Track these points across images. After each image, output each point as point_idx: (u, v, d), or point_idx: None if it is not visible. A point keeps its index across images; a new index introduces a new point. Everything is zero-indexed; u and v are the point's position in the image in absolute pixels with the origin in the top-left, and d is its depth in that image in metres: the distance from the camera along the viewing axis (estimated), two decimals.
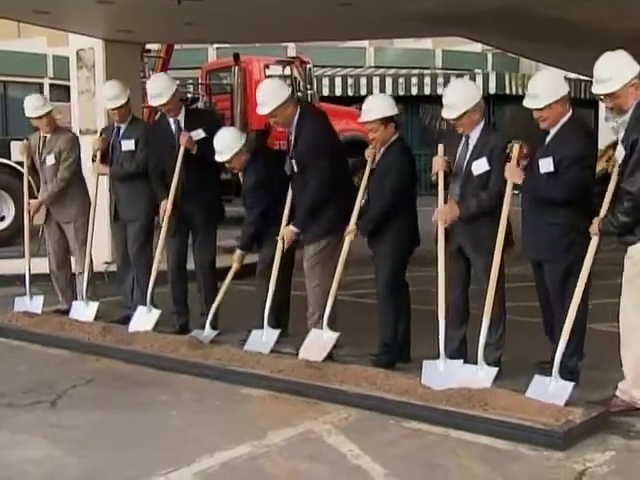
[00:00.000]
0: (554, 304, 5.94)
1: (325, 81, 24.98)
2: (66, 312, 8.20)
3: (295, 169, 6.87)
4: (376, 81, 25.59)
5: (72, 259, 8.56)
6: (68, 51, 11.76)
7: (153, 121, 10.46)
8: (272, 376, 6.19)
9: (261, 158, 7.36)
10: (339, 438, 5.20)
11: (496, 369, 5.77)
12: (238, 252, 7.33)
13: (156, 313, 7.56)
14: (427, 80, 25.82)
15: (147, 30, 10.93)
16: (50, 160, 8.32)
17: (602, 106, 22.27)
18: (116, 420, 5.64)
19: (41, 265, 8.79)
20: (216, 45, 22.61)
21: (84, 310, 8.03)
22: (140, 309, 7.63)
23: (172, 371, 6.61)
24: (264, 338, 6.89)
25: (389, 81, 25.71)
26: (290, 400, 5.96)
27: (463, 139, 6.19)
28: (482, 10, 9.09)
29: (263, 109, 6.84)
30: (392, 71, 26.45)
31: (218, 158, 7.20)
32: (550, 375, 5.47)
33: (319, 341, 6.60)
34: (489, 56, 28.20)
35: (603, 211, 5.49)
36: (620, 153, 5.44)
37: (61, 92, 16.71)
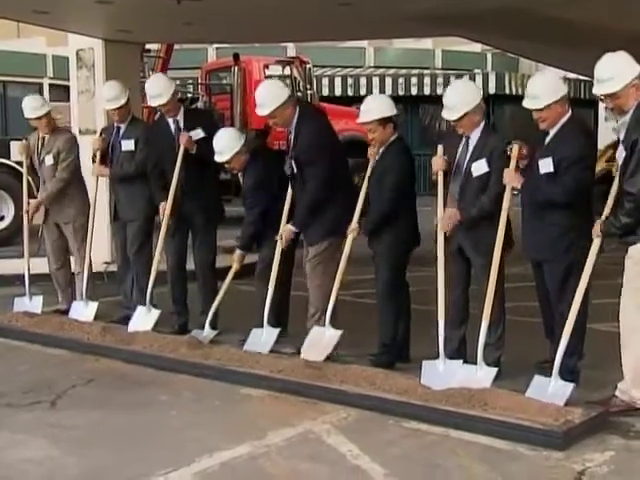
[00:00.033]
0: (554, 304, 5.94)
1: (325, 81, 25.00)
2: (66, 312, 8.20)
3: (294, 169, 6.87)
4: (376, 81, 25.60)
5: (72, 259, 8.56)
6: (68, 51, 11.77)
7: (153, 121, 10.46)
8: (272, 376, 6.19)
9: (260, 158, 7.36)
10: (338, 438, 5.20)
11: (496, 369, 5.77)
12: (238, 252, 7.33)
13: (155, 313, 7.56)
14: (427, 80, 25.84)
15: (147, 30, 10.94)
16: (49, 160, 8.32)
17: (602, 106, 22.27)
18: (116, 420, 5.64)
19: (41, 265, 8.79)
20: (216, 45, 22.62)
21: (84, 310, 8.03)
22: (139, 309, 7.63)
23: (172, 371, 6.61)
24: (264, 337, 6.89)
25: (389, 81, 25.73)
26: (290, 400, 5.96)
27: (463, 140, 6.19)
28: (482, 10, 9.09)
29: (262, 110, 6.84)
30: (392, 71, 26.47)
31: (218, 158, 7.20)
32: (550, 375, 5.48)
33: (321, 339, 6.60)
34: (489, 56, 28.21)
35: (606, 213, 5.49)
36: (620, 154, 5.44)
37: (60, 92, 16.72)
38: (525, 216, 5.98)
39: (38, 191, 8.61)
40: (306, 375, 6.11)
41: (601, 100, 5.59)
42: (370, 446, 5.05)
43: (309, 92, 16.37)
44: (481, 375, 5.70)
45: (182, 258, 7.83)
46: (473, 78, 24.98)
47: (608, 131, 19.74)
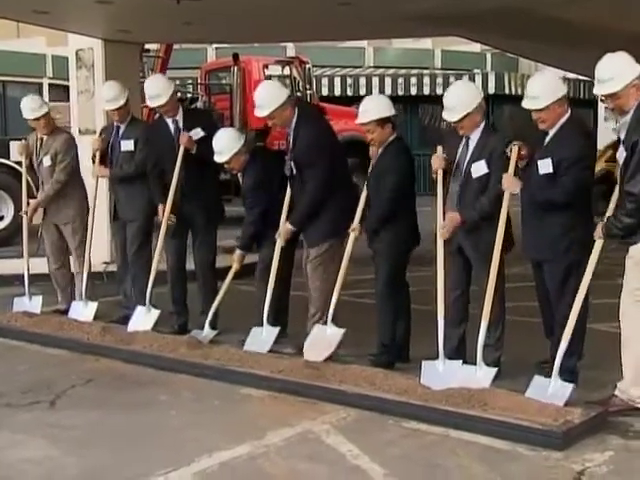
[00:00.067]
0: (554, 304, 5.94)
1: (324, 81, 24.98)
2: (65, 312, 8.20)
3: (294, 170, 6.87)
4: (375, 81, 25.59)
5: (71, 259, 8.56)
6: (67, 51, 11.76)
7: (152, 121, 10.46)
8: (271, 376, 6.19)
9: (260, 158, 7.36)
10: (338, 438, 5.20)
11: (495, 369, 5.77)
12: (238, 252, 7.33)
13: (155, 313, 7.56)
14: (426, 80, 25.83)
15: (146, 30, 10.93)
16: (46, 162, 8.33)
17: (601, 106, 22.29)
18: (115, 420, 5.64)
19: (40, 265, 8.79)
20: (215, 45, 22.61)
21: (83, 310, 8.03)
22: (139, 309, 7.63)
23: (171, 371, 6.61)
24: (263, 336, 6.89)
25: (388, 81, 25.72)
26: (289, 400, 5.96)
27: (463, 140, 6.19)
28: (482, 10, 9.09)
29: (261, 111, 6.84)
30: (391, 71, 26.46)
31: (217, 159, 7.20)
32: (549, 375, 5.48)
33: (323, 337, 6.60)
34: (488, 56, 28.20)
35: (608, 214, 5.49)
36: (621, 154, 5.44)
37: (60, 92, 16.71)
38: (525, 216, 5.97)
39: (38, 191, 8.62)
40: (305, 375, 6.11)
41: (602, 100, 5.59)
42: (370, 446, 5.05)
43: (308, 92, 16.35)
44: (481, 375, 5.70)
45: (182, 258, 7.83)
46: (472, 78, 24.97)
47: (607, 131, 19.75)
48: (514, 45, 14.07)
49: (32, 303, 8.31)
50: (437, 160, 6.22)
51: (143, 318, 7.54)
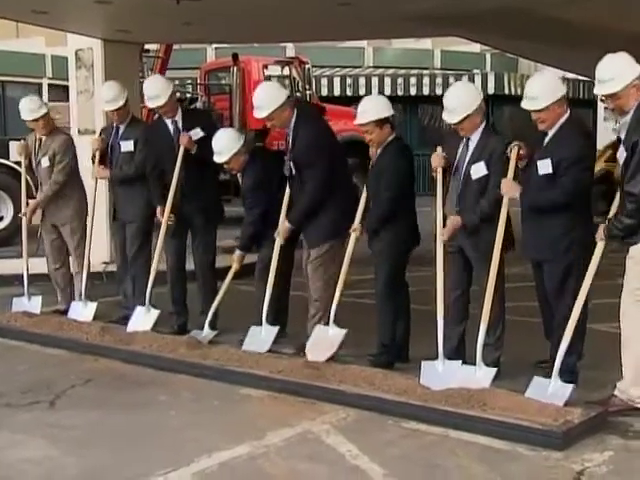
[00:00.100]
0: (553, 304, 5.94)
1: (324, 81, 24.98)
2: (65, 312, 8.19)
3: (293, 171, 6.87)
4: (375, 81, 25.59)
5: (71, 259, 8.55)
6: (67, 51, 11.76)
7: (152, 121, 10.46)
8: (271, 376, 6.19)
9: (259, 159, 7.37)
10: (337, 438, 5.20)
11: (495, 369, 5.76)
12: (238, 252, 7.33)
13: (155, 313, 7.55)
14: (426, 80, 25.84)
15: (146, 30, 10.93)
16: (45, 162, 8.33)
17: (601, 106, 22.32)
18: (115, 420, 5.64)
19: (39, 265, 8.79)
20: (215, 45, 22.61)
21: (83, 310, 8.03)
22: (139, 309, 7.63)
23: (171, 371, 6.61)
24: (262, 335, 6.90)
25: (388, 81, 25.71)
26: (289, 400, 5.96)
27: (463, 140, 6.19)
28: (482, 10, 9.09)
29: (260, 113, 6.84)
30: (391, 71, 26.46)
31: (217, 159, 7.20)
32: (548, 375, 5.48)
33: (326, 338, 6.60)
34: (488, 56, 28.21)
35: (610, 215, 5.49)
36: (621, 155, 5.44)
37: (60, 92, 16.72)
38: (524, 217, 5.97)
39: (37, 191, 8.61)
40: (305, 375, 6.11)
41: (602, 100, 5.60)
42: (369, 446, 5.05)
43: (308, 92, 16.35)
44: (480, 375, 5.70)
45: (182, 258, 7.83)
46: (472, 78, 24.98)
47: (607, 131, 19.81)
48: (514, 45, 14.07)
49: (31, 303, 8.31)
50: (436, 159, 6.23)
51: (143, 318, 7.53)
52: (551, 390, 5.36)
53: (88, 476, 4.78)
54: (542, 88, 5.76)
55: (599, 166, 14.04)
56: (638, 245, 5.38)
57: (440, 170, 6.20)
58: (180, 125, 7.62)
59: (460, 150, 6.20)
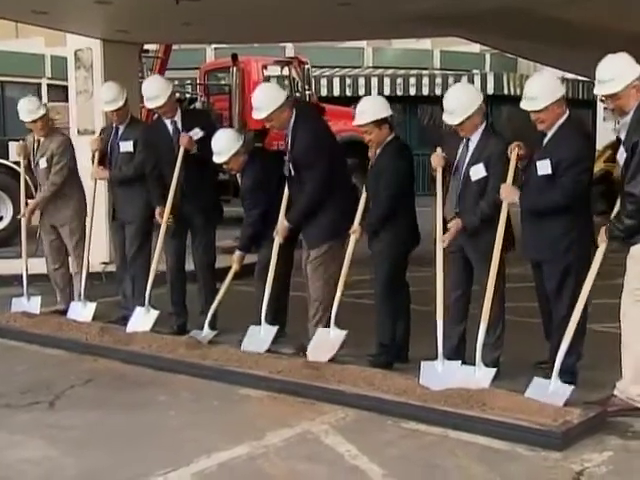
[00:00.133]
0: (552, 304, 5.94)
1: (323, 81, 24.98)
2: (64, 312, 8.18)
3: (292, 171, 6.87)
4: (374, 81, 25.58)
5: (70, 259, 8.55)
6: (66, 51, 11.75)
7: (151, 121, 10.46)
8: (270, 377, 6.19)
9: (259, 159, 7.36)
10: (337, 438, 5.20)
11: (494, 370, 5.76)
12: (237, 253, 7.33)
13: (154, 314, 7.55)
14: (425, 80, 25.84)
15: (145, 30, 10.93)
16: (43, 164, 8.33)
17: (600, 106, 22.32)
18: (114, 420, 5.64)
19: (39, 265, 8.79)
20: (214, 45, 22.61)
21: (82, 310, 8.02)
22: (138, 310, 7.63)
23: (170, 371, 6.60)
24: (261, 335, 6.90)
25: (387, 81, 25.71)
26: (288, 400, 5.95)
27: (463, 140, 6.19)
28: (482, 10, 9.09)
29: (259, 114, 6.84)
30: (390, 71, 26.46)
31: (216, 159, 7.20)
32: (548, 376, 5.48)
33: (327, 339, 6.60)
34: (487, 56, 28.22)
35: (611, 217, 5.49)
36: (622, 155, 5.44)
37: (59, 92, 16.73)
38: (524, 217, 5.97)
39: (37, 191, 8.61)
40: (304, 375, 6.11)
41: (602, 101, 5.60)
42: (368, 446, 5.05)
43: (307, 92, 16.36)
44: (480, 376, 5.70)
45: (181, 259, 7.83)
46: (471, 78, 24.99)
47: (606, 131, 19.80)
48: (514, 45, 14.07)
49: (31, 303, 8.30)
50: (436, 159, 6.23)
51: (142, 319, 7.53)
52: (551, 390, 5.36)
53: (87, 476, 4.78)
54: (541, 88, 5.76)
55: (598, 166, 14.05)
56: (638, 245, 5.38)
57: (440, 170, 6.21)
58: (179, 125, 7.62)
59: (460, 151, 6.20)
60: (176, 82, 15.80)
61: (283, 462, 4.95)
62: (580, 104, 24.11)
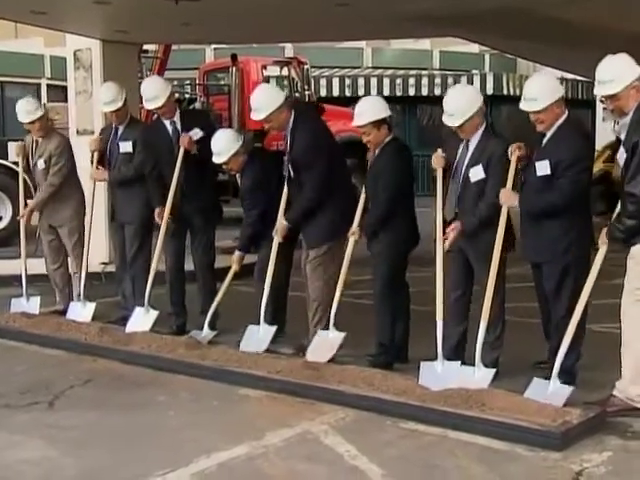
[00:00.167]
0: (551, 304, 5.94)
1: (323, 82, 25.01)
2: (63, 312, 8.18)
3: (291, 172, 6.87)
4: (374, 82, 25.59)
5: (69, 259, 8.55)
6: (65, 51, 11.76)
7: (151, 121, 10.46)
8: (270, 377, 6.19)
9: (258, 159, 7.37)
10: (336, 439, 5.20)
11: (493, 370, 5.76)
12: (237, 253, 7.33)
13: (154, 314, 7.54)
14: (425, 81, 25.84)
15: (144, 31, 10.93)
16: (41, 165, 8.33)
17: (599, 107, 22.31)
18: (113, 421, 5.64)
19: (38, 266, 8.78)
20: (214, 46, 22.62)
21: (81, 310, 8.02)
22: (138, 310, 7.62)
23: (170, 372, 6.60)
24: (260, 335, 6.90)
25: (386, 82, 25.72)
26: (287, 401, 5.95)
27: (463, 141, 6.18)
28: (482, 10, 9.08)
29: (258, 115, 6.84)
30: (389, 72, 26.47)
31: (215, 160, 7.20)
32: (547, 376, 5.47)
33: (326, 341, 6.59)
34: (486, 57, 28.24)
35: (612, 219, 5.49)
36: (622, 156, 5.44)
37: (58, 92, 16.74)
38: (523, 219, 5.96)
39: (36, 191, 8.60)
40: (304, 376, 6.11)
41: (601, 101, 5.60)
42: (368, 447, 5.05)
43: (307, 93, 16.37)
44: (479, 376, 5.69)
45: (180, 259, 7.83)
46: (471, 79, 25.00)
47: (606, 132, 19.79)
48: (513, 46, 14.07)
49: (30, 304, 8.29)
50: (437, 159, 6.23)
51: (142, 319, 7.53)
52: (550, 391, 5.36)
53: (86, 477, 4.78)
54: (541, 89, 5.76)
55: (597, 166, 14.05)
56: (639, 245, 5.37)
57: (440, 171, 6.20)
58: (179, 126, 7.62)
59: (460, 151, 6.20)
60: (175, 82, 15.81)
61: (283, 462, 4.95)
62: (579, 104, 24.11)
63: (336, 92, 25.03)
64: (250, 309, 7.13)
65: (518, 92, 23.80)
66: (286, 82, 16.06)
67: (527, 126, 6.03)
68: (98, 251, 9.59)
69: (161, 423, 5.57)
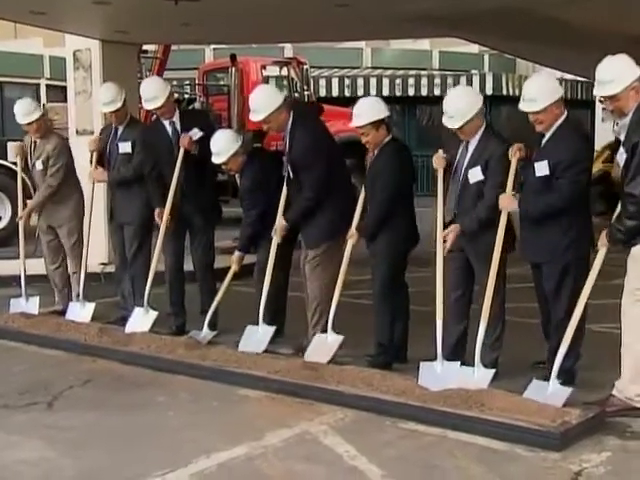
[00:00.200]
0: (550, 305, 5.94)
1: (322, 82, 25.02)
2: (62, 313, 8.17)
3: (290, 173, 6.87)
4: (373, 82, 25.61)
5: (68, 259, 8.54)
6: (65, 52, 11.75)
7: (150, 122, 10.46)
8: (269, 377, 6.18)
9: (257, 159, 7.37)
10: (335, 439, 5.20)
11: (493, 371, 5.76)
12: (237, 253, 7.33)
13: (153, 314, 7.54)
14: (424, 81, 25.86)
15: (144, 31, 10.93)
16: (39, 166, 8.33)
17: (599, 107, 22.31)
18: (112, 421, 5.63)
19: (37, 266, 8.78)
20: (213, 46, 22.63)
21: (80, 311, 8.01)
22: (137, 310, 7.62)
23: (169, 372, 6.60)
24: (259, 335, 6.89)
25: (386, 82, 25.74)
26: (287, 401, 5.95)
27: (463, 142, 6.18)
28: (481, 10, 9.08)
29: (256, 116, 6.84)
30: (389, 72, 26.49)
31: (215, 160, 7.20)
32: (546, 376, 5.47)
33: (324, 343, 6.59)
34: (486, 57, 28.25)
35: (613, 220, 5.49)
36: (621, 156, 5.44)
37: (58, 93, 16.73)
38: (522, 220, 5.96)
39: (35, 192, 8.60)
40: (303, 376, 6.11)
41: (601, 102, 5.60)
42: (367, 447, 5.05)
43: (306, 93, 16.36)
44: (479, 376, 5.69)
45: (180, 259, 7.82)
46: (470, 79, 25.01)
47: (605, 132, 19.79)
48: (513, 46, 14.07)
49: (29, 304, 8.29)
50: (438, 159, 6.22)
51: (141, 319, 7.52)
52: (549, 391, 5.36)
53: (85, 477, 4.78)
54: (540, 89, 5.76)
55: (597, 167, 14.05)
56: (639, 246, 5.37)
57: (441, 171, 6.20)
58: (178, 126, 7.62)
59: (460, 152, 6.20)
60: (175, 82, 15.81)
61: (282, 462, 4.94)
62: (579, 104, 24.13)
63: (335, 92, 25.05)
64: (249, 309, 7.13)
65: (517, 92, 23.80)
66: (285, 82, 16.05)
67: (527, 126, 6.03)
68: (97, 251, 9.59)
69: (160, 423, 5.57)
